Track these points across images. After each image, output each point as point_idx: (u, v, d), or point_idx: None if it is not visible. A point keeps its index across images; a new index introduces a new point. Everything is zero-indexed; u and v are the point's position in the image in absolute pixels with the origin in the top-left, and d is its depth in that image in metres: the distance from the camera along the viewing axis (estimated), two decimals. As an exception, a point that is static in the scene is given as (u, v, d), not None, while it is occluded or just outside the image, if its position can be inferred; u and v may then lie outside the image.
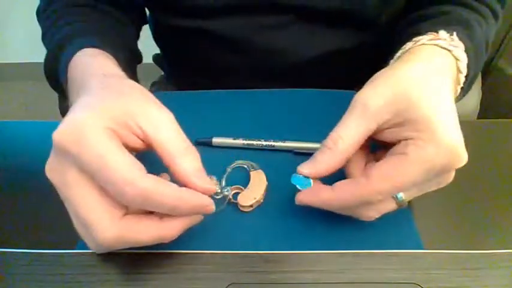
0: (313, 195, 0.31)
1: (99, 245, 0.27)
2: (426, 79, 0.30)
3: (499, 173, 0.40)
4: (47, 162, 0.27)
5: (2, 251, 0.33)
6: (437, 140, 0.28)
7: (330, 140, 0.30)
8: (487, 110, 0.73)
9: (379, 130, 0.30)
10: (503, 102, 0.95)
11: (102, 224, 0.26)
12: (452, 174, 0.30)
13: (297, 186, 0.31)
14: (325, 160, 0.30)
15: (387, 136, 0.30)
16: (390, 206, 0.31)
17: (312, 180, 0.31)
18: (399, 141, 0.30)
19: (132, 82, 0.31)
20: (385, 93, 0.30)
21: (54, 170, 0.27)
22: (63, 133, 0.26)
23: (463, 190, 0.38)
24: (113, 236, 0.26)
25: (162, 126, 0.28)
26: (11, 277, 0.32)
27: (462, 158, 0.28)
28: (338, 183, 0.30)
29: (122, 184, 0.25)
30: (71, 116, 0.27)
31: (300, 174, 0.31)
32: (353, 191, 0.29)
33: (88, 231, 0.26)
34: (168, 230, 0.28)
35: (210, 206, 0.28)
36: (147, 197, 0.25)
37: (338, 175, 0.31)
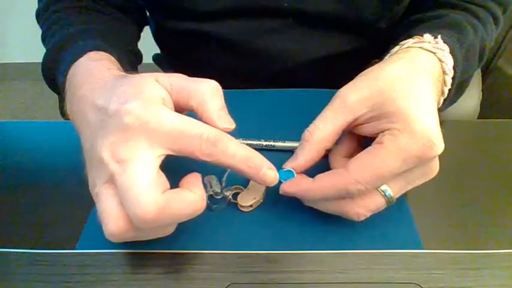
0: (295, 184, 0.32)
1: (141, 219, 0.25)
2: (404, 76, 0.31)
3: (499, 173, 0.40)
4: (108, 138, 0.26)
5: (2, 251, 0.33)
6: (411, 129, 0.29)
7: (307, 132, 0.32)
8: (487, 110, 0.73)
9: (357, 124, 0.32)
10: (503, 102, 0.95)
11: (149, 197, 0.25)
12: (436, 164, 0.31)
13: (281, 180, 0.32)
14: (303, 152, 0.32)
15: (366, 130, 0.32)
16: (378, 202, 0.31)
17: (295, 174, 0.32)
18: (377, 134, 0.31)
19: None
20: (363, 88, 0.31)
21: (118, 144, 0.26)
22: (137, 111, 0.26)
23: (463, 190, 0.38)
24: (159, 207, 0.25)
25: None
26: (11, 277, 0.32)
27: (437, 146, 0.29)
28: (319, 175, 0.31)
29: None
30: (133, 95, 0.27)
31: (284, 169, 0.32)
32: (332, 180, 0.30)
33: (131, 204, 0.25)
34: (202, 200, 0.28)
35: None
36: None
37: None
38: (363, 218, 0.31)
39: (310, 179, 0.31)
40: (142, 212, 0.25)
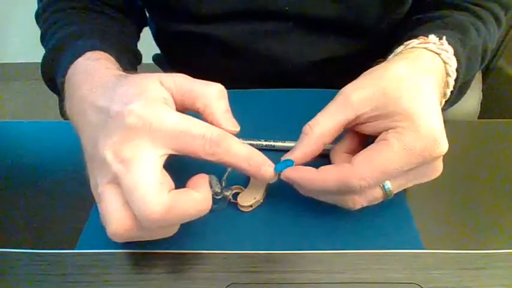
0: (298, 172, 0.32)
1: (148, 219, 0.25)
2: (408, 75, 0.31)
3: (499, 173, 0.40)
4: (111, 138, 0.26)
5: (2, 251, 0.33)
6: (416, 127, 0.29)
7: (307, 126, 0.32)
8: (487, 110, 0.73)
9: (359, 123, 0.32)
10: (503, 102, 0.95)
11: (155, 196, 0.25)
12: (440, 165, 0.31)
13: (277, 171, 0.32)
14: (301, 145, 0.32)
15: (368, 129, 0.32)
16: (376, 193, 0.31)
17: (294, 164, 0.32)
18: (380, 133, 0.31)
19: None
20: (366, 88, 0.31)
21: (121, 144, 0.26)
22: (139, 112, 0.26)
23: (463, 190, 0.38)
24: (165, 207, 0.25)
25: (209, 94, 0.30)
26: (11, 277, 0.32)
27: (441, 145, 0.29)
28: (323, 167, 0.31)
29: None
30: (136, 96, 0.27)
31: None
32: (336, 173, 0.30)
33: (138, 204, 0.25)
34: (208, 201, 0.28)
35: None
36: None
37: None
38: (359, 207, 0.32)
39: (314, 169, 0.31)
40: (149, 212, 0.25)
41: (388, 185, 0.30)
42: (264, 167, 0.29)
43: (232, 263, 0.32)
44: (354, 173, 0.29)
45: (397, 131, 0.29)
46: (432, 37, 0.35)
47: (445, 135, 0.29)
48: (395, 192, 0.31)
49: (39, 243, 0.34)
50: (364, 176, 0.29)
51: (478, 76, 0.73)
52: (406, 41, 0.37)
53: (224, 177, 0.35)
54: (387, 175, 0.29)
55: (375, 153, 0.29)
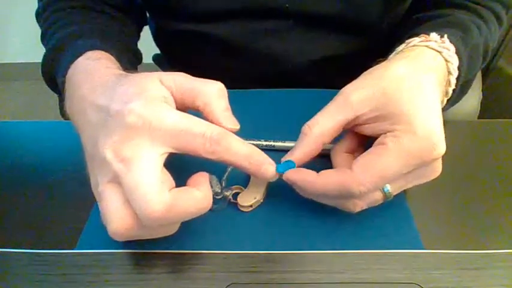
0: (299, 174, 0.32)
1: (149, 218, 0.25)
2: (409, 75, 0.31)
3: (499, 173, 0.40)
4: (111, 137, 0.26)
5: (2, 251, 0.33)
6: (413, 129, 0.29)
7: (306, 126, 0.32)
8: (487, 110, 0.73)
9: (358, 123, 0.32)
10: (503, 102, 0.95)
11: (156, 195, 0.25)
12: (438, 166, 0.31)
13: (279, 172, 0.32)
14: (301, 145, 0.32)
15: (368, 130, 0.32)
16: (376, 196, 0.31)
17: (295, 165, 0.32)
18: (379, 134, 0.31)
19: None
20: (366, 88, 0.31)
21: (121, 143, 0.26)
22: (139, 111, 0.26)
23: (463, 190, 0.38)
24: (166, 205, 0.25)
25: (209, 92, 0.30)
26: (11, 277, 0.32)
27: (438, 147, 0.29)
28: (324, 171, 0.31)
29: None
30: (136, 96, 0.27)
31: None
32: (336, 179, 0.30)
33: (139, 203, 0.25)
34: (208, 199, 0.28)
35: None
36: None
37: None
38: (359, 210, 0.32)
39: (315, 172, 0.31)
40: (150, 210, 0.25)
41: (388, 187, 0.30)
42: (265, 166, 0.29)
43: (232, 263, 0.32)
44: (353, 179, 0.29)
45: (394, 134, 0.29)
46: (433, 35, 0.35)
47: (443, 136, 0.29)
48: (395, 194, 0.31)
49: (39, 243, 0.34)
50: (364, 181, 0.29)
51: (478, 76, 0.73)
52: (407, 39, 0.36)
53: (224, 177, 0.35)
54: (386, 180, 0.29)
55: (373, 159, 0.29)
